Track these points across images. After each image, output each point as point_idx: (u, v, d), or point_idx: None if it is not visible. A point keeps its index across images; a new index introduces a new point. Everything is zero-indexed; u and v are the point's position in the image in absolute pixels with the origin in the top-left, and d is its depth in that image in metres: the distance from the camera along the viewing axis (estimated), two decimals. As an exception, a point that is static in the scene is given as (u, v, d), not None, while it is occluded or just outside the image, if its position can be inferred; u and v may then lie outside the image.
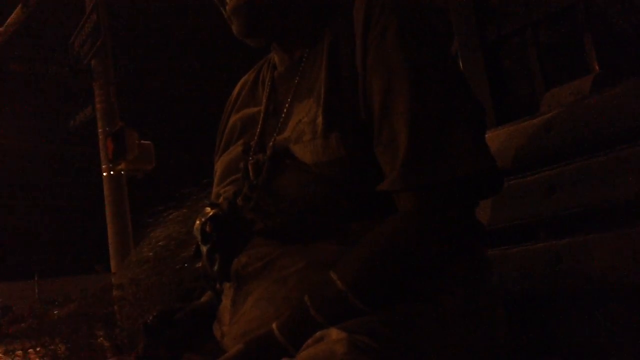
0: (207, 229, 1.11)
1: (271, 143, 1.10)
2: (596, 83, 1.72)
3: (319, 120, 1.03)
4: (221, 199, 1.15)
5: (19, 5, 11.64)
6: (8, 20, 12.51)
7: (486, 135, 1.46)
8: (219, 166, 1.25)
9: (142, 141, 8.26)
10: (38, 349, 5.55)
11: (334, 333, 0.88)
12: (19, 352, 5.61)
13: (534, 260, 1.37)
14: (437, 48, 1.04)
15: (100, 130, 8.74)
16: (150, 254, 5.28)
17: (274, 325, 0.96)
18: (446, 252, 1.00)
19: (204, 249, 1.12)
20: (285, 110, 1.13)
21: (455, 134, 0.97)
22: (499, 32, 2.30)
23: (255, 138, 1.15)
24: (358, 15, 1.06)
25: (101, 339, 5.35)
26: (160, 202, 5.59)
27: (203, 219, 1.12)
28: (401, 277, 0.98)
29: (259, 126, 1.16)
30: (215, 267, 1.10)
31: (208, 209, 1.13)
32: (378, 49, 1.02)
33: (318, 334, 0.91)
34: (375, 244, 0.98)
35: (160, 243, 5.28)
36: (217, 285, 1.15)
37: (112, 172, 8.43)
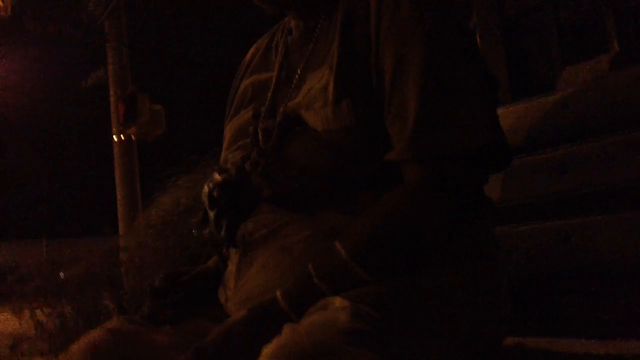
0: (215, 194, 1.10)
1: (282, 109, 1.10)
2: (615, 62, 1.70)
3: (331, 87, 1.02)
4: (229, 164, 1.14)
5: (34, -36, 11.57)
6: (22, -21, 12.46)
7: (501, 111, 1.46)
8: (228, 130, 1.25)
9: (153, 105, 8.26)
10: (45, 308, 5.62)
11: (338, 301, 0.89)
12: (26, 311, 5.68)
13: (543, 238, 1.36)
14: (451, 19, 1.03)
15: (111, 93, 8.75)
16: (158, 218, 5.31)
17: (277, 293, 0.97)
18: (451, 225, 1.00)
19: (212, 214, 1.12)
20: (297, 77, 1.12)
21: (466, 107, 0.97)
22: (519, 8, 2.27)
23: (267, 103, 1.15)
24: None
25: (107, 300, 5.41)
26: (170, 167, 5.60)
27: (211, 185, 1.12)
28: (405, 248, 0.98)
29: (271, 91, 1.16)
30: (222, 233, 1.10)
31: (216, 175, 1.13)
32: (392, 18, 1.01)
33: (321, 302, 0.91)
34: (380, 215, 0.98)
35: (167, 208, 5.31)
36: (224, 251, 1.15)
37: (122, 136, 8.45)
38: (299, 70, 1.13)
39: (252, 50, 1.34)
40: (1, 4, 12.82)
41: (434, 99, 0.96)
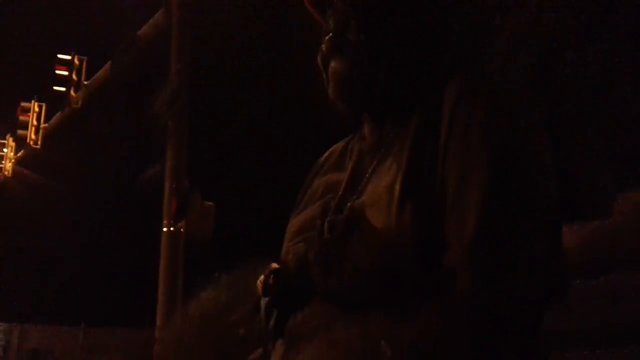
0: (271, 280, 1.11)
1: (349, 204, 1.12)
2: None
3: (397, 186, 1.04)
4: (290, 256, 1.16)
5: (109, 62, 12.31)
6: (96, 75, 13.22)
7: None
8: (293, 223, 1.26)
9: (205, 202, 8.42)
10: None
11: None
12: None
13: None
14: (521, 143, 1.04)
15: (166, 187, 8.98)
16: (196, 314, 5.29)
17: None
18: (498, 343, 0.97)
19: (263, 302, 1.13)
20: (367, 177, 1.15)
21: (526, 231, 0.96)
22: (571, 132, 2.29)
23: (337, 200, 1.17)
24: (449, 96, 1.08)
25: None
26: (214, 264, 5.64)
27: (267, 272, 1.13)
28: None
29: (342, 189, 1.18)
30: (271, 322, 1.10)
31: (274, 264, 1.14)
32: (462, 132, 1.03)
33: None
34: (428, 322, 0.96)
35: (207, 304, 5.29)
36: (270, 347, 1.14)
37: (171, 229, 8.59)
38: (369, 169, 1.15)
39: (326, 154, 1.39)
40: (73, 96, 13.57)
41: (494, 216, 0.96)
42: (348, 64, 1.17)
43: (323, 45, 1.22)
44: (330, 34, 1.20)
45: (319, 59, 1.23)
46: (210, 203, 8.53)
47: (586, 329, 1.36)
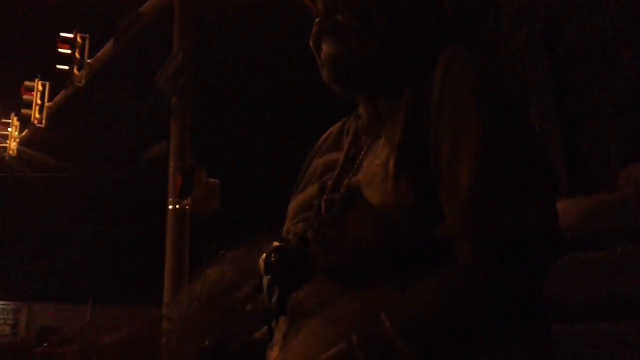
0: (272, 259, 1.12)
1: (345, 182, 1.12)
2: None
3: (392, 163, 1.05)
4: (291, 235, 1.17)
5: (111, 40, 12.25)
6: (99, 53, 13.17)
7: (558, 205, 1.45)
8: (293, 204, 1.29)
9: (210, 179, 8.43)
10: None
11: None
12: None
13: (597, 340, 1.32)
14: (510, 109, 1.05)
15: (171, 165, 8.98)
16: (203, 291, 5.33)
17: None
18: (499, 311, 0.97)
19: (266, 279, 1.14)
20: (362, 154, 1.16)
21: (520, 193, 0.97)
22: (577, 109, 2.28)
23: (334, 179, 1.18)
24: (439, 68, 1.09)
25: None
26: (220, 241, 5.66)
27: (269, 251, 1.14)
28: (451, 329, 0.95)
29: (339, 168, 1.20)
30: (274, 299, 1.12)
31: (276, 243, 1.15)
32: (452, 101, 1.04)
33: None
34: (428, 292, 0.97)
35: (213, 281, 5.33)
36: (273, 323, 1.16)
37: (177, 207, 8.61)
38: (365, 147, 1.17)
39: (324, 135, 1.41)
40: (77, 74, 13.54)
41: (488, 181, 0.97)
42: (339, 45, 1.19)
43: (314, 29, 1.22)
44: (320, 16, 1.21)
45: (311, 42, 1.24)
46: (216, 180, 8.54)
47: (591, 302, 1.36)
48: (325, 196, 1.15)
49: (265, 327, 1.21)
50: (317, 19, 1.22)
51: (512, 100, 1.06)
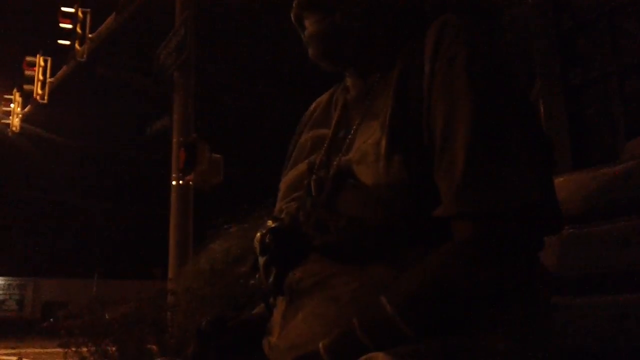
0: (267, 240, 1.11)
1: (335, 162, 1.11)
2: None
3: (383, 142, 1.03)
4: (284, 214, 1.16)
5: (113, 14, 12.17)
6: (100, 27, 13.10)
7: (562, 179, 1.44)
8: (284, 182, 1.27)
9: (213, 154, 8.43)
10: (90, 346, 5.69)
11: (380, 357, 0.87)
12: (72, 348, 5.76)
13: (599, 313, 1.31)
14: (504, 80, 1.03)
15: (174, 140, 8.98)
16: (207, 265, 5.36)
17: (320, 345, 0.95)
18: (500, 286, 0.97)
19: (262, 260, 1.13)
20: (352, 132, 1.14)
21: (515, 166, 0.95)
22: (583, 77, 2.25)
23: (321, 157, 1.16)
24: (429, 40, 1.06)
25: (151, 344, 5.44)
26: (223, 215, 5.67)
27: (264, 231, 1.13)
28: (452, 306, 0.95)
29: (326, 145, 1.18)
30: (271, 280, 1.11)
31: (270, 222, 1.14)
32: (445, 76, 1.02)
33: (364, 357, 0.89)
34: (426, 271, 0.96)
35: (217, 256, 5.36)
36: (271, 300, 1.15)
37: (180, 182, 8.63)
38: (354, 126, 1.14)
39: (312, 106, 1.38)
40: (78, 49, 13.48)
41: (482, 157, 0.96)
42: (323, 22, 1.15)
43: (294, 2, 1.19)
44: None
45: (292, 17, 1.21)
46: (219, 155, 8.54)
47: (595, 275, 1.35)
48: (314, 176, 1.13)
49: (263, 305, 1.21)
50: None
51: (505, 73, 1.04)
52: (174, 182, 8.76)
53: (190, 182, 8.58)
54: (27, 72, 15.78)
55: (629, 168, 1.34)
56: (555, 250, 1.41)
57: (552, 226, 1.03)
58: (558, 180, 1.38)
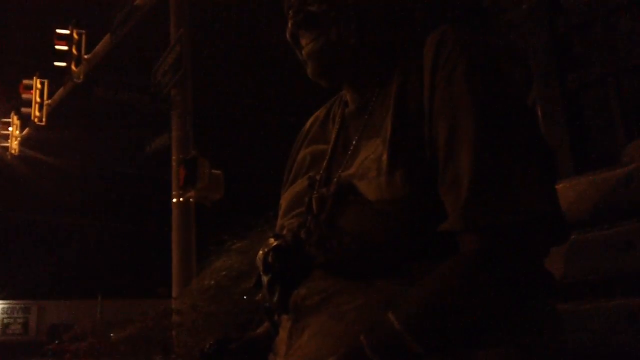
0: (270, 259, 1.11)
1: (336, 178, 1.10)
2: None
3: (385, 157, 1.03)
4: (285, 231, 1.15)
5: (108, 34, 12.21)
6: (96, 48, 13.13)
7: (563, 184, 1.43)
8: (284, 199, 1.26)
9: (214, 170, 8.42)
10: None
11: None
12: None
13: (608, 317, 1.30)
14: (505, 90, 1.03)
15: (173, 157, 8.98)
16: (212, 282, 5.34)
17: None
18: (508, 298, 0.96)
19: (265, 279, 1.12)
20: (352, 147, 1.13)
21: (520, 178, 0.95)
22: (581, 81, 2.25)
23: (321, 173, 1.15)
24: (428, 53, 1.06)
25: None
26: (226, 231, 5.66)
27: (266, 249, 1.12)
28: (459, 320, 0.95)
29: (326, 161, 1.17)
30: (275, 298, 1.10)
31: (272, 240, 1.13)
32: (445, 89, 1.02)
33: None
34: (434, 285, 0.96)
35: (222, 273, 5.34)
36: (275, 317, 1.14)
37: (181, 199, 8.62)
38: (354, 141, 1.14)
39: (310, 120, 1.37)
40: (75, 70, 13.51)
41: (487, 170, 0.95)
42: (318, 40, 1.15)
43: (289, 22, 1.19)
44: (293, 8, 1.18)
45: (287, 35, 1.21)
46: (219, 171, 8.54)
47: (600, 279, 1.35)
48: (315, 193, 1.12)
49: (268, 323, 1.20)
50: (291, 11, 1.19)
51: (505, 82, 1.04)
52: (174, 200, 8.75)
53: (191, 199, 8.57)
54: (25, 95, 15.81)
55: (630, 171, 1.34)
56: (560, 256, 1.40)
57: (559, 236, 1.02)
58: (559, 186, 1.38)
